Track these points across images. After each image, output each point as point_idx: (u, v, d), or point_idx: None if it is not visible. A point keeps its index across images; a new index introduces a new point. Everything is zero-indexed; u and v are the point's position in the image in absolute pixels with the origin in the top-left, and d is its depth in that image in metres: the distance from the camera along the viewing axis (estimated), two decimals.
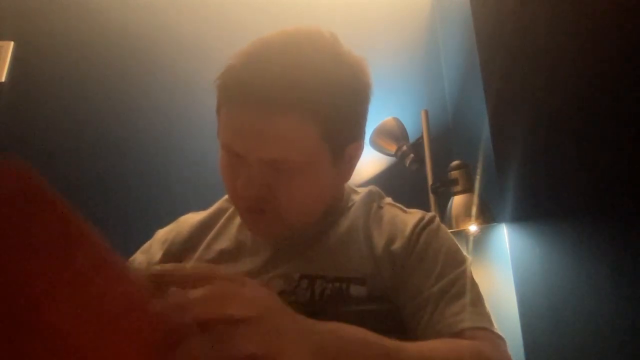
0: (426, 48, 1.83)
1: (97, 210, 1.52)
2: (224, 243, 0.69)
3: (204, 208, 0.78)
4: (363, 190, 0.74)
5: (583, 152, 1.09)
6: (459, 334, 0.54)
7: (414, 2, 1.87)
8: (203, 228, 0.72)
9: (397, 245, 0.63)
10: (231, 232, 0.70)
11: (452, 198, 1.30)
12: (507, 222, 1.25)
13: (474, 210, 1.24)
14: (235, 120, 0.57)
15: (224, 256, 0.67)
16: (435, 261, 0.62)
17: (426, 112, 1.48)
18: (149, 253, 0.72)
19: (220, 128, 0.59)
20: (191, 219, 0.75)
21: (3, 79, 1.65)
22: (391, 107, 1.70)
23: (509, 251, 1.24)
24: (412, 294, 0.60)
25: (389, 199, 0.75)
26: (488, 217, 1.25)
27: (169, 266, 0.31)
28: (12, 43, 1.70)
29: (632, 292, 0.94)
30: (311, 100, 0.55)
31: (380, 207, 0.71)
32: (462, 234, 1.34)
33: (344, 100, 0.59)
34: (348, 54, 0.62)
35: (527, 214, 1.20)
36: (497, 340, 0.56)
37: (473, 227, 1.25)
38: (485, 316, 0.58)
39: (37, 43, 1.73)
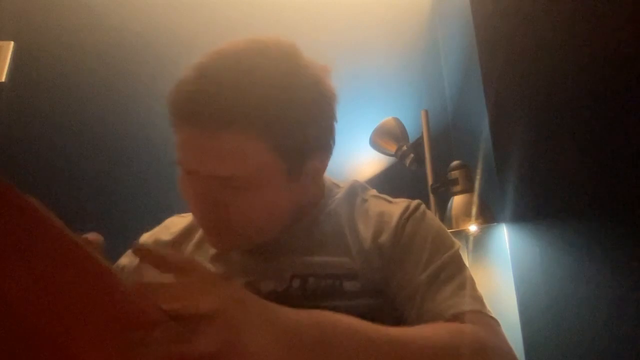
0: (426, 48, 1.83)
1: (97, 210, 1.52)
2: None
3: None
4: (345, 185, 0.73)
5: (583, 152, 1.09)
6: (452, 319, 0.53)
7: (414, 2, 1.87)
8: (189, 230, 0.72)
9: (384, 237, 0.62)
10: None
11: (452, 198, 1.30)
12: (507, 222, 1.25)
13: (474, 210, 1.24)
14: (184, 138, 0.55)
15: (213, 257, 0.66)
16: (422, 249, 0.61)
17: (426, 112, 1.48)
18: (132, 256, 0.72)
19: (175, 146, 0.58)
20: (177, 221, 0.75)
21: (3, 79, 1.65)
22: (391, 107, 1.70)
23: (509, 251, 1.24)
24: (402, 285, 0.59)
25: (373, 191, 0.73)
26: (488, 217, 1.25)
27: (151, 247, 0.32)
28: (12, 43, 1.70)
29: (632, 292, 0.94)
30: (259, 115, 0.52)
31: (364, 200, 0.70)
32: (462, 234, 1.34)
33: (299, 113, 0.55)
34: (306, 65, 0.58)
35: (527, 214, 1.20)
36: (492, 322, 0.56)
37: (473, 227, 1.25)
38: (478, 299, 0.57)
39: (37, 43, 1.73)
